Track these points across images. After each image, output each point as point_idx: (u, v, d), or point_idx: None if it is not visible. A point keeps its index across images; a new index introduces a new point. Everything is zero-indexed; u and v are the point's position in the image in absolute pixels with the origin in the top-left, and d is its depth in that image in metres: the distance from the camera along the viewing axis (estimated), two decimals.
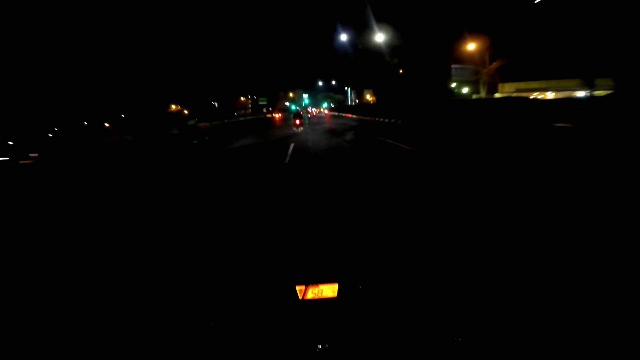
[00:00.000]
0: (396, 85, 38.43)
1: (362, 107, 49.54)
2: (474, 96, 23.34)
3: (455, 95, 26.35)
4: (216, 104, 71.42)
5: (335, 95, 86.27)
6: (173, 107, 74.52)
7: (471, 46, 22.23)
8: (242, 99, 75.93)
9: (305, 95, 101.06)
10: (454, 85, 26.49)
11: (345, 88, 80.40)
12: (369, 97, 58.90)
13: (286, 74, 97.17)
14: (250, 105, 75.57)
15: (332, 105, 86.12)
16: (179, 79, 66.41)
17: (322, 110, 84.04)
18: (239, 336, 0.66)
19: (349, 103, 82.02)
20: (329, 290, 0.71)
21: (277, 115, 53.95)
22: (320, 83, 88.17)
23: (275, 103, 74.93)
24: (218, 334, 0.66)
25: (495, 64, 21.83)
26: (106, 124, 46.94)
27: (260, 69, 76.87)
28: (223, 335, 0.66)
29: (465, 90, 25.31)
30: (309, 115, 36.09)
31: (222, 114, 64.84)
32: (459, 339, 0.63)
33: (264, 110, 67.35)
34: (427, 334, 0.65)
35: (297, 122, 18.42)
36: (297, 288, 0.72)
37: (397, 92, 38.63)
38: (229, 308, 0.74)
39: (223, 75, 67.22)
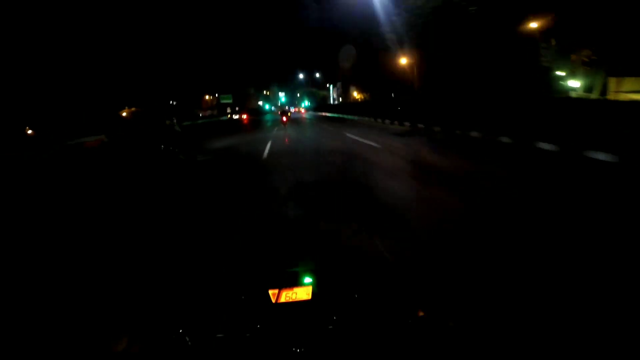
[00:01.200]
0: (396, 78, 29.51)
1: (347, 107, 40.67)
2: (573, 94, 13.34)
3: (556, 90, 13.84)
4: (174, 103, 59.58)
5: (319, 91, 75.35)
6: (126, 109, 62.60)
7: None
8: (207, 97, 64.43)
9: (281, 94, 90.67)
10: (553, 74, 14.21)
11: (328, 85, 71.12)
12: (356, 95, 50.06)
13: (259, 69, 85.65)
14: (215, 105, 64.38)
15: (307, 105, 76.84)
16: (133, 75, 54.47)
17: (300, 109, 74.81)
18: (210, 344, 0.64)
19: (331, 102, 73.54)
20: (303, 293, 0.69)
21: (244, 117, 43.61)
22: (301, 76, 77.52)
23: (246, 101, 63.69)
24: (187, 343, 0.62)
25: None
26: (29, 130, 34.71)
27: (229, 63, 65.41)
28: (193, 343, 0.63)
29: (574, 84, 13.14)
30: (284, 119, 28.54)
31: (182, 115, 53.54)
32: (437, 338, 0.62)
33: (228, 110, 55.34)
34: (403, 335, 0.64)
35: (284, 119, 22.79)
36: (270, 292, 0.69)
37: (400, 86, 29.73)
38: (198, 314, 0.70)
39: (185, 71, 55.84)
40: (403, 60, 27.72)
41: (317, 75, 64.73)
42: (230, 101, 61.52)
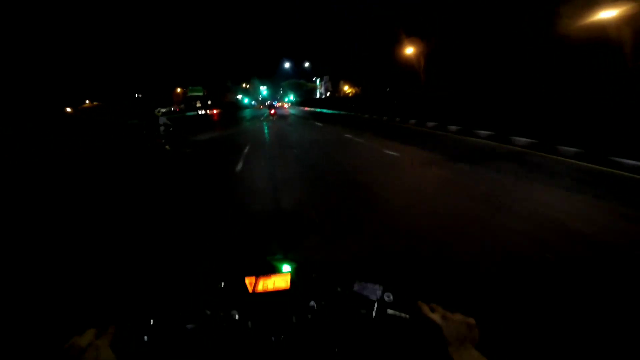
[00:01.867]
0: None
1: (337, 101, 35.89)
2: None
3: None
4: (139, 96, 52.50)
5: (308, 83, 68.50)
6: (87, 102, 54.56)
7: None
8: (178, 90, 57.49)
9: (263, 88, 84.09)
10: None
11: (314, 78, 65.60)
12: (347, 89, 45.28)
13: (238, 60, 78.19)
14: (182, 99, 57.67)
15: (292, 99, 70.98)
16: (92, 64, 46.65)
17: (283, 104, 68.88)
18: (183, 334, 0.63)
19: (317, 96, 67.88)
20: (282, 281, 0.68)
21: (214, 112, 37.53)
22: (287, 65, 70.34)
23: (220, 95, 56.94)
24: (156, 333, 0.61)
25: None
26: None
27: (205, 52, 58.30)
28: (162, 334, 0.62)
29: None
30: (272, 111, 26.04)
31: (146, 110, 46.89)
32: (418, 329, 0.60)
33: (197, 104, 46.97)
34: (383, 322, 0.64)
35: (272, 111, 25.77)
36: (247, 280, 0.68)
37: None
38: (172, 302, 0.68)
39: (154, 61, 48.69)
40: (409, 50, 23.09)
41: (307, 64, 57.13)
42: (200, 94, 53.05)
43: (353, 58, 38.25)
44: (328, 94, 60.96)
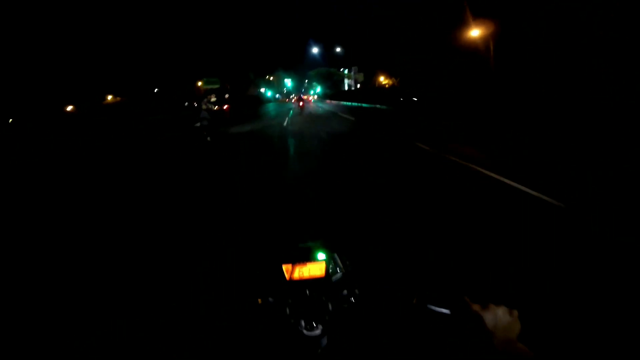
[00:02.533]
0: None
1: (373, 94, 31.18)
2: None
3: None
4: (158, 91, 50.34)
5: (339, 72, 61.40)
6: (110, 97, 53.34)
7: None
8: (199, 84, 54.66)
9: (287, 80, 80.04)
10: None
11: (341, 69, 60.36)
12: (382, 80, 40.37)
13: (261, 51, 74.29)
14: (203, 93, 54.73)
15: (319, 91, 66.50)
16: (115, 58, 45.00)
17: (308, 97, 64.78)
18: (228, 320, 0.70)
19: (346, 88, 63.03)
20: (317, 269, 0.69)
21: (224, 107, 33.79)
22: (314, 50, 61.93)
23: (241, 88, 53.12)
24: (208, 320, 0.69)
25: None
26: None
27: (226, 43, 54.90)
28: (212, 320, 0.69)
29: None
30: (301, 104, 25.17)
31: (165, 106, 44.50)
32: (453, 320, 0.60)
33: (212, 98, 40.82)
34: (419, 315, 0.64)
35: (301, 104, 25.78)
36: (284, 267, 0.69)
37: None
38: (216, 292, 0.81)
39: (173, 54, 46.16)
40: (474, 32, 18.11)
41: (338, 49, 46.44)
42: (216, 86, 46.36)
43: (391, 45, 33.30)
44: (358, 86, 56.18)
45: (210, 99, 38.64)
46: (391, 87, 38.60)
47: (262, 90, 60.17)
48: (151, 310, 1.66)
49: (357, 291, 0.67)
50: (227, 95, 44.79)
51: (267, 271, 0.71)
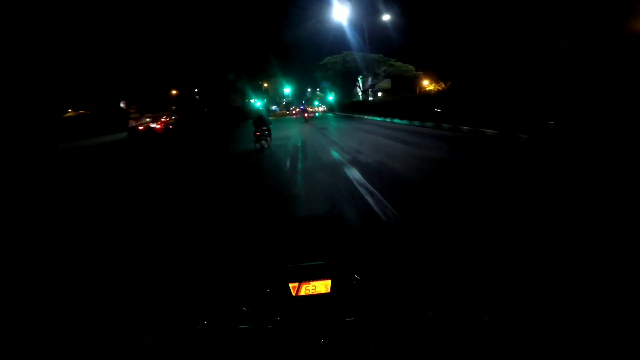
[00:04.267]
0: None
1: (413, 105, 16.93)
2: None
3: None
4: (123, 104, 37.31)
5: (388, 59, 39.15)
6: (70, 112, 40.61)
7: None
8: (174, 92, 41.43)
9: (286, 91, 67.04)
10: None
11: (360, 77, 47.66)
12: (426, 84, 27.54)
13: (252, 48, 60.79)
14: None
15: (331, 100, 53.35)
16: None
17: (309, 109, 51.98)
18: (232, 335, 0.69)
19: (360, 97, 50.78)
20: (322, 287, 0.73)
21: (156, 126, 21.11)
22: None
23: (221, 96, 38.21)
24: (210, 334, 0.67)
25: None
26: None
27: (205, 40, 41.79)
28: (215, 334, 0.68)
29: None
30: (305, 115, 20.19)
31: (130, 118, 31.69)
32: (458, 334, 0.62)
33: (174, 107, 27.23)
34: (424, 328, 0.66)
35: (306, 115, 23.09)
36: (290, 285, 0.73)
37: None
38: (221, 306, 0.76)
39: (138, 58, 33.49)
40: None
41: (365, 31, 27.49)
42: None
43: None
44: (379, 94, 43.69)
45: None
46: (440, 93, 25.71)
47: (253, 100, 43.84)
48: (153, 309, 1.74)
49: (362, 308, 0.69)
50: (173, 107, 31.49)
51: (274, 289, 0.71)
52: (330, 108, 45.31)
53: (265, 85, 58.60)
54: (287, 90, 58.96)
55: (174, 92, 40.86)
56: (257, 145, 9.62)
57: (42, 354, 1.58)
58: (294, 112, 47.29)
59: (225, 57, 41.18)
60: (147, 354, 0.67)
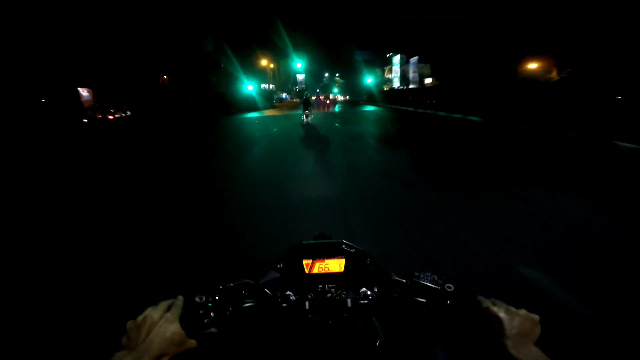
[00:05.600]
0: None
1: None
2: None
3: None
4: (85, 92, 26.30)
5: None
6: None
7: None
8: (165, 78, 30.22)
9: (300, 77, 55.52)
10: None
11: (388, 54, 35.11)
12: (535, 67, 16.61)
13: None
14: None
15: (371, 83, 41.63)
16: None
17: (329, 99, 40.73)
18: (244, 310, 0.68)
19: (395, 84, 39.72)
20: (336, 265, 0.72)
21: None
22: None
23: (194, 75, 25.25)
24: (224, 311, 0.66)
25: None
26: None
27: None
28: (230, 312, 0.67)
29: None
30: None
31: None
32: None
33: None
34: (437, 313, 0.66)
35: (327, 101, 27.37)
36: (304, 262, 0.72)
37: None
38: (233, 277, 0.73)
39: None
40: None
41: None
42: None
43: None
44: (424, 81, 32.47)
45: None
46: (559, 81, 14.95)
47: (250, 87, 29.13)
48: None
49: (375, 289, 0.69)
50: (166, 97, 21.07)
51: (287, 265, 0.72)
52: (369, 98, 31.92)
53: (272, 66, 46.06)
54: (299, 65, 43.06)
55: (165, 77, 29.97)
56: (305, 120, 13.34)
57: (42, 354, 1.60)
58: (318, 99, 34.29)
59: (199, 16, 27.66)
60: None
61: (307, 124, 12.87)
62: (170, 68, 22.62)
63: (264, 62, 40.17)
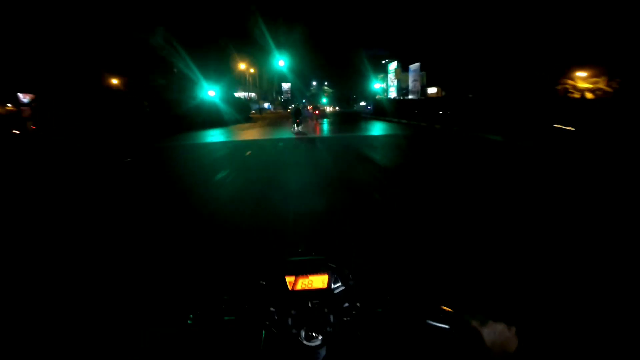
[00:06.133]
0: None
1: None
2: None
3: None
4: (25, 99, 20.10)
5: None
6: None
7: None
8: (113, 81, 24.33)
9: (286, 86, 51.31)
10: None
11: (385, 61, 30.79)
12: (578, 82, 12.77)
13: None
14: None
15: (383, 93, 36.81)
16: None
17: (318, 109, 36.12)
18: (224, 327, 0.70)
19: (391, 95, 35.58)
20: (319, 281, 0.73)
21: None
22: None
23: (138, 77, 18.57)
24: (202, 326, 0.68)
25: None
26: None
27: None
28: (207, 327, 0.68)
29: None
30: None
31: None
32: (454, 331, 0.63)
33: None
34: (423, 328, 0.67)
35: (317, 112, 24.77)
36: (287, 279, 0.73)
37: None
38: (213, 297, 0.74)
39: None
40: None
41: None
42: None
43: None
44: (410, 97, 28.47)
45: None
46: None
47: (213, 93, 23.54)
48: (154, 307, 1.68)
49: (358, 304, 0.70)
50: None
51: (270, 282, 0.72)
52: (378, 109, 25.27)
53: (252, 70, 40.36)
54: (282, 62, 34.47)
55: (115, 81, 24.12)
56: (296, 129, 14.48)
57: (42, 354, 1.59)
58: (306, 110, 27.34)
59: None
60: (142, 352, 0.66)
61: (299, 132, 14.03)
62: (90, 64, 16.72)
63: (242, 66, 34.63)
